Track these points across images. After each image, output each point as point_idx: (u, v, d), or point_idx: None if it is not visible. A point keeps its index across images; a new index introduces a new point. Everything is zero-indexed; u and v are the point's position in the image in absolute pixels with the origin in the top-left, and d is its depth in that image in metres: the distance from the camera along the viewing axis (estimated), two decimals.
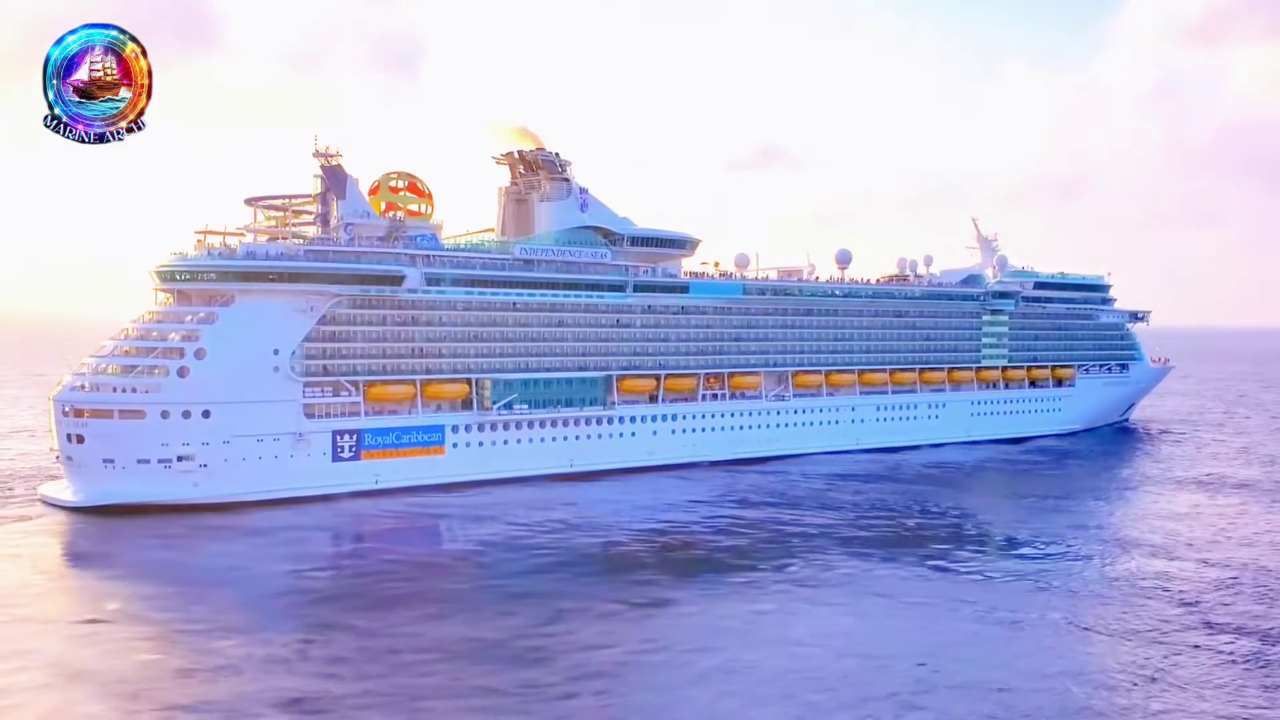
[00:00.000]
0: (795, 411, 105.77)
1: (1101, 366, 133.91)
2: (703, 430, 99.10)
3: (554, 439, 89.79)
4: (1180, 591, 56.78)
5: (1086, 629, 50.55)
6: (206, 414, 73.62)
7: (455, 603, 53.58)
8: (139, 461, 72.59)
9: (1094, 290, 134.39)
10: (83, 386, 75.20)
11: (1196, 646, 47.81)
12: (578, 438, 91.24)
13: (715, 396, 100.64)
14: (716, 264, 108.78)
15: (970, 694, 41.72)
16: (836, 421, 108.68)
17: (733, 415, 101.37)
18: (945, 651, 46.62)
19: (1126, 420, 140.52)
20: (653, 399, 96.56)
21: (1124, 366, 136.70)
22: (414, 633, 47.99)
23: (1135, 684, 43.06)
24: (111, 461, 72.65)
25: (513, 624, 49.29)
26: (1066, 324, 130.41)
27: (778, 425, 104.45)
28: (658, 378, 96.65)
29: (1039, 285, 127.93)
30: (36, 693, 40.68)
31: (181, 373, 73.90)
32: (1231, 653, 47.05)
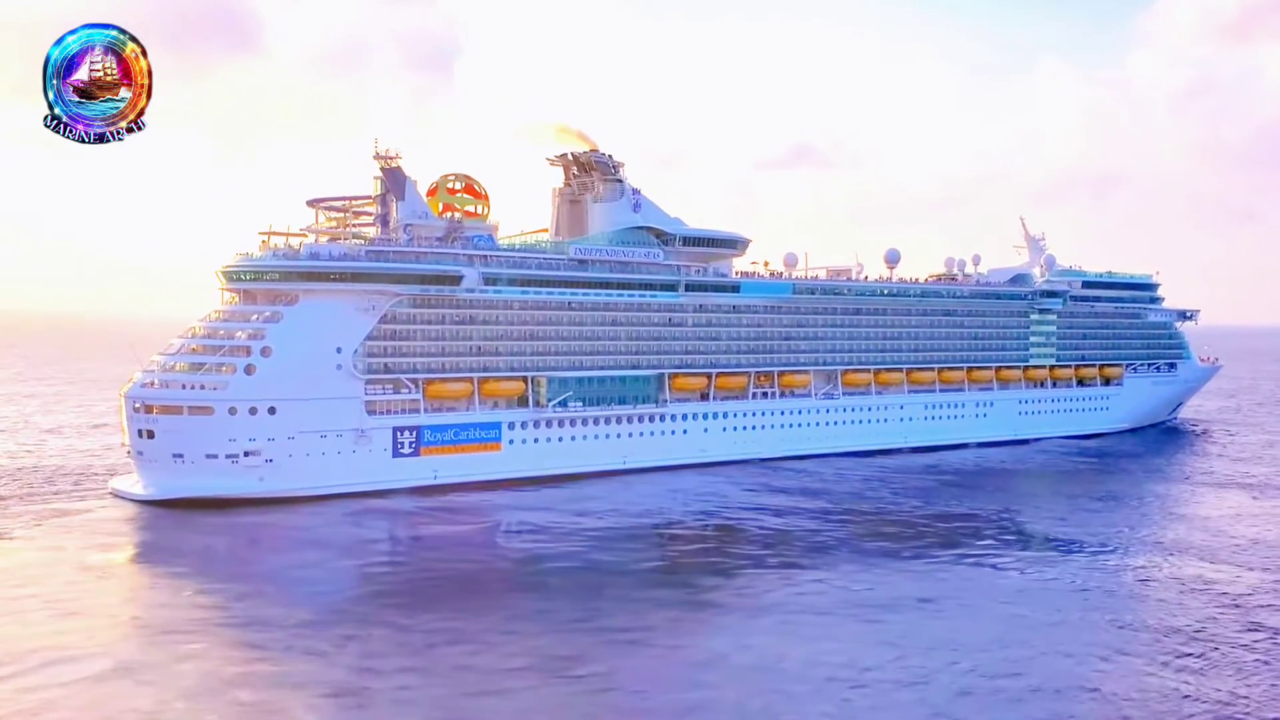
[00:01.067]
0: (844, 410, 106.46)
1: (1149, 365, 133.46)
2: (753, 428, 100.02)
3: (607, 436, 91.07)
4: (1222, 593, 56.52)
5: (1127, 629, 50.49)
6: (272, 410, 75.42)
7: (495, 598, 54.66)
8: (207, 456, 74.48)
9: (1142, 289, 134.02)
10: (152, 383, 77.21)
11: (1239, 648, 47.64)
12: (630, 435, 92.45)
13: (765, 395, 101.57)
14: (766, 263, 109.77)
15: (1004, 694, 41.77)
16: (885, 420, 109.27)
17: (783, 413, 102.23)
18: (980, 651, 46.67)
19: (1174, 419, 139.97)
20: (704, 397, 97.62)
21: (1172, 366, 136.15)
22: (452, 627, 48.75)
23: (1175, 686, 42.99)
24: (181, 456, 74.59)
25: (548, 621, 50.12)
26: (1114, 323, 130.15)
27: (827, 424, 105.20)
28: (709, 376, 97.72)
29: (1087, 284, 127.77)
30: (85, 683, 41.72)
31: (248, 370, 75.78)
32: (1273, 657, 46.71)
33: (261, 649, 45.76)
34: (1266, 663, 45.94)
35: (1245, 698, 41.89)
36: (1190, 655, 46.71)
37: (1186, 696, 42.02)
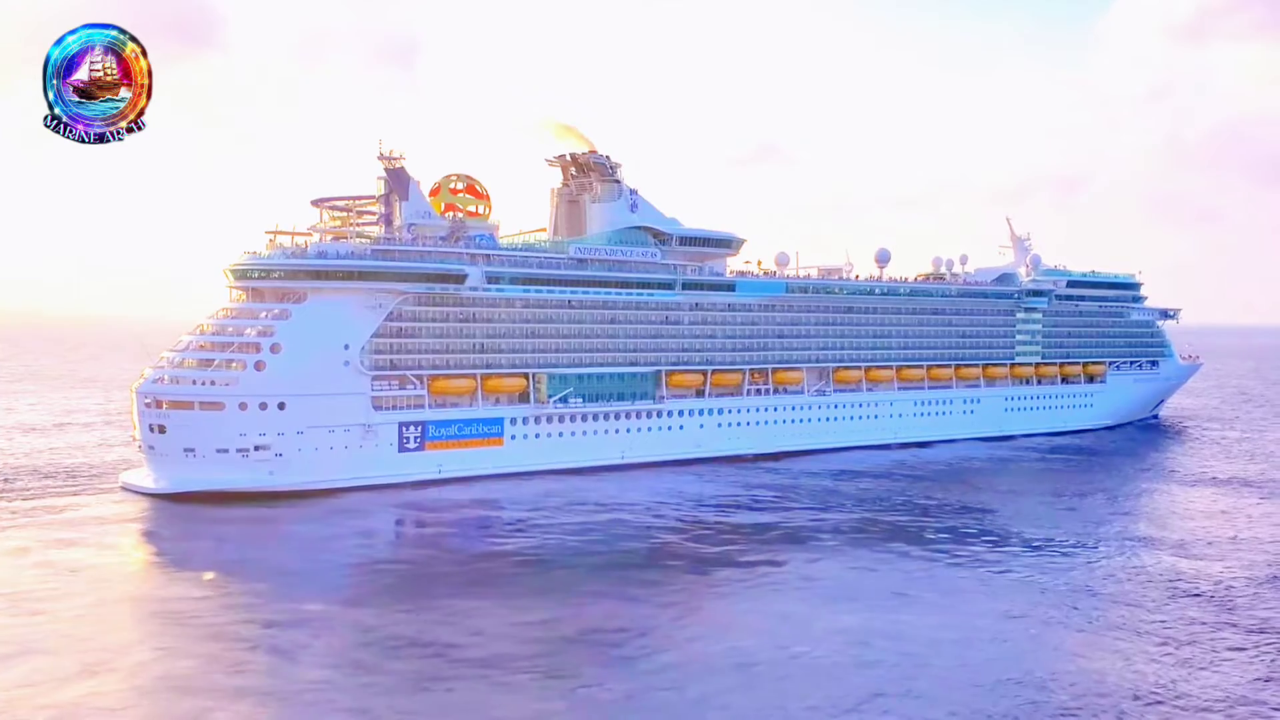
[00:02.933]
0: (836, 407, 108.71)
1: (1132, 363, 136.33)
2: (747, 424, 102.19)
3: (606, 431, 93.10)
4: (1202, 591, 57.24)
5: (1098, 623, 51.24)
6: (282, 406, 77.12)
7: (477, 596, 54.56)
8: (218, 451, 76.10)
9: (1126, 289, 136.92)
10: (163, 379, 78.77)
11: (1219, 646, 48.27)
12: (629, 430, 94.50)
13: (759, 392, 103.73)
14: (760, 263, 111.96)
15: (985, 692, 42.12)
16: (875, 417, 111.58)
17: (776, 410, 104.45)
18: (960, 651, 46.89)
19: (1156, 416, 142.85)
20: (700, 394, 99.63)
21: (1154, 363, 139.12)
22: (428, 624, 49.28)
23: (1148, 681, 43.62)
24: (192, 451, 76.20)
25: (529, 616, 50.71)
26: (1098, 321, 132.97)
27: (819, 420, 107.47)
28: (705, 373, 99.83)
29: (1071, 284, 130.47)
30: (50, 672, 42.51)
31: (258, 366, 77.45)
32: (1255, 654, 47.41)
33: (239, 646, 46.30)
34: (1250, 661, 46.56)
35: (1216, 694, 42.68)
36: (1161, 649, 47.40)
37: (1161, 692, 42.77)
